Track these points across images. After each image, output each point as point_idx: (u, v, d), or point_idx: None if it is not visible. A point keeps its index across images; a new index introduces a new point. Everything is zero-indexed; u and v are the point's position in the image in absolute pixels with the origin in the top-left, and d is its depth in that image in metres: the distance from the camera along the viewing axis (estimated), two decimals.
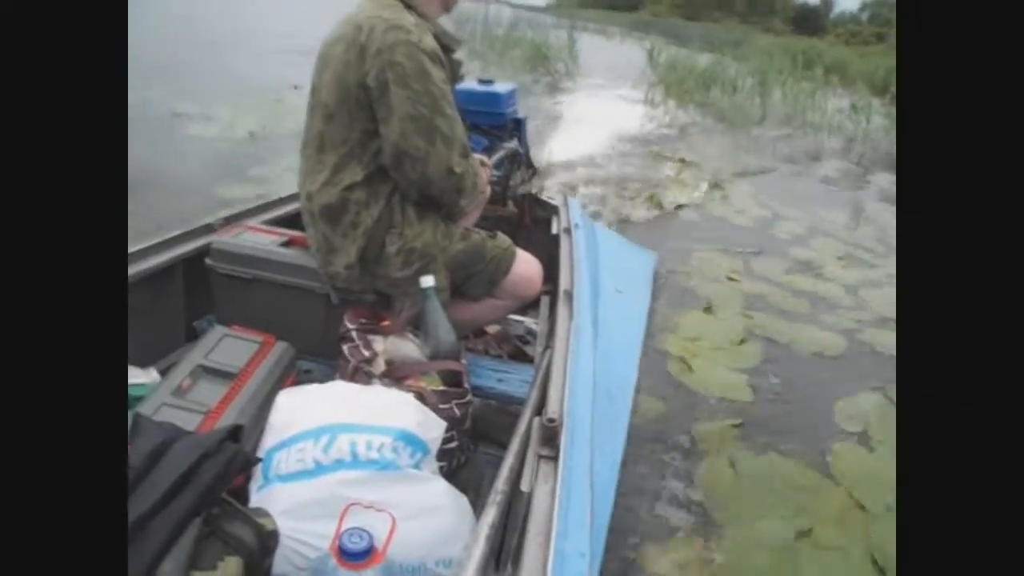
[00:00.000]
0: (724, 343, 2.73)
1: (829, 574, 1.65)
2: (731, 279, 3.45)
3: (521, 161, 2.45)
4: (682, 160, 6.20)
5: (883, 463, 2.05)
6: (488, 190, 1.87)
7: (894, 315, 3.15)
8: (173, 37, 9.87)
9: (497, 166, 2.16)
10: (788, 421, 2.23)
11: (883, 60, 16.84)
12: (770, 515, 1.79)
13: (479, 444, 1.56)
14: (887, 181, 6.39)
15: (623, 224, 4.26)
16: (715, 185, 5.46)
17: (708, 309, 3.02)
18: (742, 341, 2.77)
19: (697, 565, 1.61)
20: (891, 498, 1.85)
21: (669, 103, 9.60)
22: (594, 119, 7.79)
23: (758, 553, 1.68)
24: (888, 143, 8.35)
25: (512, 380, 1.71)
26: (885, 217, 5.12)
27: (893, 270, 3.75)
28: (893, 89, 11.32)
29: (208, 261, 1.70)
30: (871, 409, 2.33)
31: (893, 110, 9.52)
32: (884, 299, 3.43)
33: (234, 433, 0.94)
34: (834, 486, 1.93)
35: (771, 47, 16.83)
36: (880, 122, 9.26)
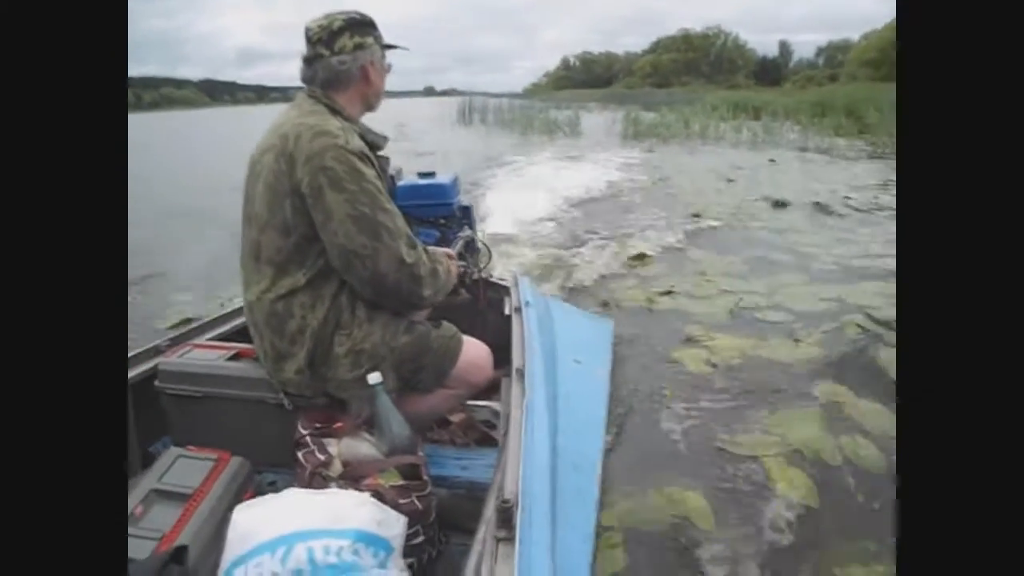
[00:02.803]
0: None
1: None
2: None
3: (475, 248, 2.50)
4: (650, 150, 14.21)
5: None
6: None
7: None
8: None
9: (459, 257, 2.19)
10: None
11: (800, 96, 24.74)
12: None
13: (451, 535, 1.54)
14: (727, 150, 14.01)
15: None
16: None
17: None
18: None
19: None
20: None
21: (632, 141, 16.59)
22: (592, 152, 13.82)
23: None
24: (745, 142, 15.50)
25: (476, 466, 1.70)
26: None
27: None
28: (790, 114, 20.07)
29: (157, 383, 1.69)
30: None
31: (767, 124, 17.79)
32: None
33: (177, 555, 0.92)
34: None
35: (715, 101, 24.39)
36: (748, 133, 16.61)
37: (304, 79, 1.62)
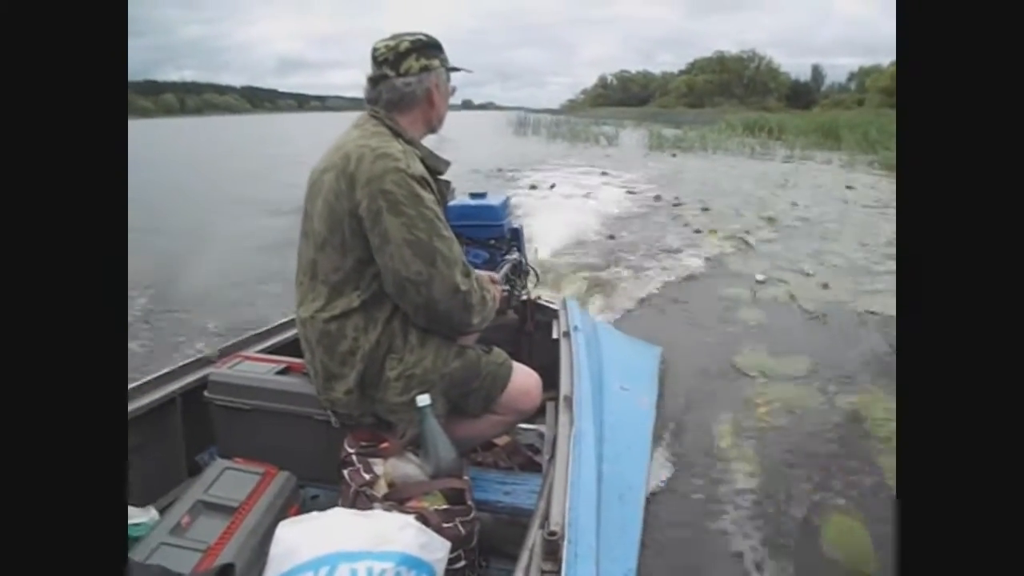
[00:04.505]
0: None
1: None
2: None
3: (523, 270, 2.50)
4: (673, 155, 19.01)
5: None
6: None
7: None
8: None
9: (504, 280, 2.18)
10: None
11: (814, 118, 28.14)
12: None
13: (491, 560, 1.52)
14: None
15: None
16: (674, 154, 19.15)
17: None
18: None
19: None
20: None
21: (656, 150, 20.87)
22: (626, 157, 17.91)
23: None
24: (744, 153, 19.37)
25: (519, 492, 1.67)
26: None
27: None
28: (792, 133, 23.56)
29: (206, 394, 1.70)
30: None
31: (763, 140, 22.15)
32: None
33: (224, 572, 0.92)
34: None
35: (733, 120, 29.01)
36: (747, 148, 20.21)
37: (368, 99, 1.62)
